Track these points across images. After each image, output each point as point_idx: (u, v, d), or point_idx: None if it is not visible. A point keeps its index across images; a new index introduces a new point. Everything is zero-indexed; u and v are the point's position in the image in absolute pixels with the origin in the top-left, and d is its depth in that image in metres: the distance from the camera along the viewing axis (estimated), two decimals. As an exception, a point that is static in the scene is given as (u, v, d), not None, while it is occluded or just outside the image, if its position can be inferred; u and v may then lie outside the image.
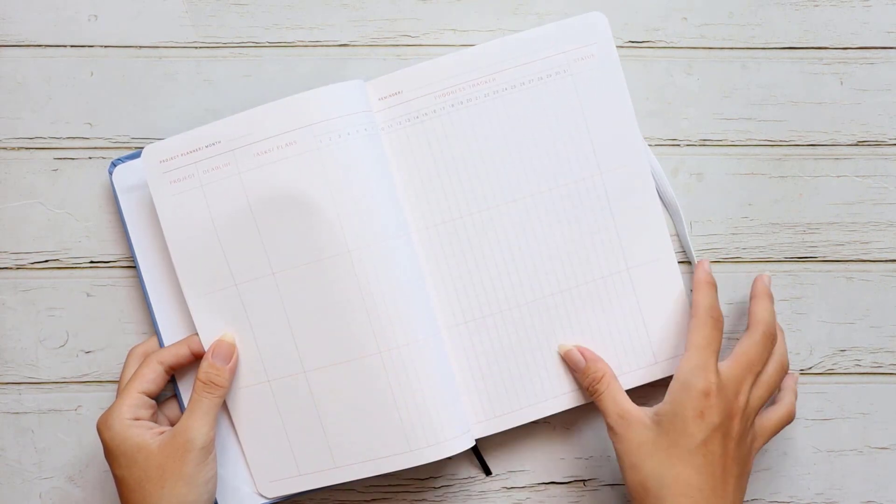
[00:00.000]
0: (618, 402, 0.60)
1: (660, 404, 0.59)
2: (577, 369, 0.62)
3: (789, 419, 0.62)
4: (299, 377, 0.61)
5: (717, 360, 0.59)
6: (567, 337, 0.63)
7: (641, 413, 0.59)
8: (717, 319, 0.60)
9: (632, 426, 0.59)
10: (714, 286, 0.61)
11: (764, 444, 0.62)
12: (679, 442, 0.58)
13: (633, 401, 0.61)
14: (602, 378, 0.61)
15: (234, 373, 0.61)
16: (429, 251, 0.63)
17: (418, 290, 0.62)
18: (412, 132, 0.63)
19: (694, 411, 0.57)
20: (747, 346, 0.60)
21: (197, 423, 0.58)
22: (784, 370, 0.62)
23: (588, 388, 0.62)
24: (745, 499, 0.66)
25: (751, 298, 0.63)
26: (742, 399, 0.59)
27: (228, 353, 0.61)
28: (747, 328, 0.61)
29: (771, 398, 0.63)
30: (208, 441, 0.59)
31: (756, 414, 0.60)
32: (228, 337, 0.62)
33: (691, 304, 0.61)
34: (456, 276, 0.63)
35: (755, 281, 0.63)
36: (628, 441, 0.59)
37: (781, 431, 0.65)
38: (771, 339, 0.61)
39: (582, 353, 0.62)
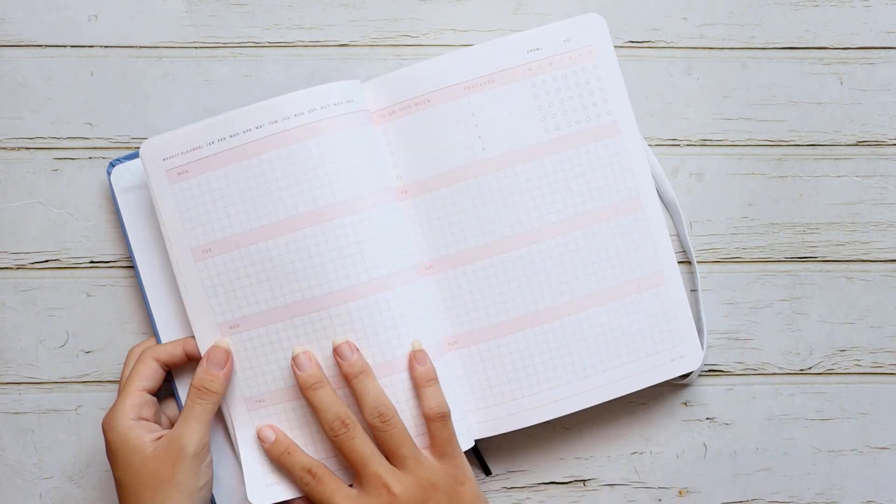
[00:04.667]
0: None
1: None
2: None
3: (440, 418, 0.59)
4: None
5: (340, 489, 0.58)
6: (566, 337, 0.63)
7: None
8: (314, 472, 0.59)
9: None
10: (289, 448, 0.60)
11: (454, 454, 0.60)
12: None
13: (632, 399, 0.61)
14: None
15: (228, 379, 0.61)
16: (428, 252, 0.63)
17: (420, 293, 0.62)
18: (410, 132, 0.63)
19: None
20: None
21: (190, 430, 0.58)
22: (376, 408, 0.58)
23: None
24: (745, 499, 0.66)
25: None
26: (402, 486, 0.57)
27: (223, 360, 0.61)
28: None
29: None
30: (201, 448, 0.58)
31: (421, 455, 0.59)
32: (223, 343, 0.61)
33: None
34: (452, 279, 0.63)
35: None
36: None
37: (781, 430, 0.65)
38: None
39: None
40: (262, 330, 0.61)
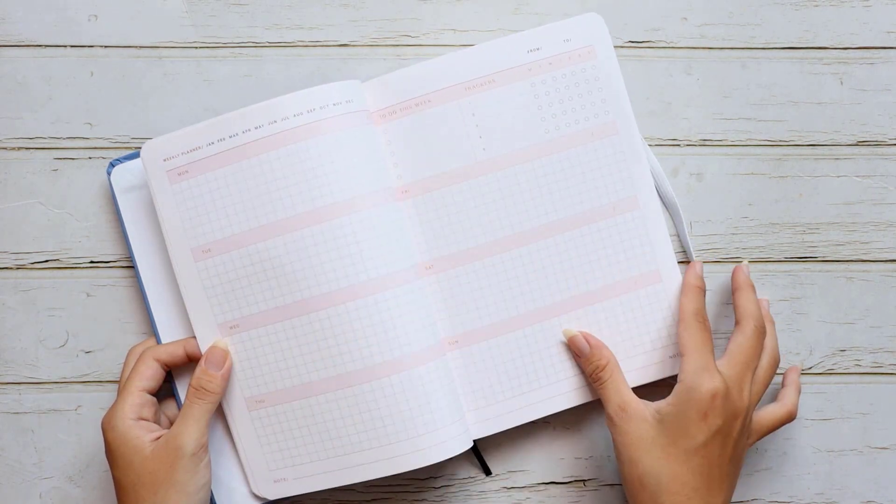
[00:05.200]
0: (620, 393, 0.60)
1: (663, 402, 0.59)
2: (582, 355, 0.62)
3: (789, 418, 0.62)
4: (298, 380, 0.61)
5: (714, 360, 0.59)
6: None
7: (643, 407, 0.59)
8: (703, 323, 0.60)
9: (632, 420, 0.59)
10: (702, 290, 0.62)
11: (758, 440, 0.62)
12: (679, 442, 0.58)
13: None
14: (606, 366, 0.61)
15: (226, 379, 0.61)
16: (427, 252, 0.63)
17: (420, 293, 0.62)
18: (410, 132, 0.63)
19: (698, 414, 0.57)
20: (741, 342, 0.60)
21: (187, 430, 0.58)
22: (776, 362, 0.62)
23: (591, 376, 0.62)
24: (745, 499, 0.66)
25: (733, 291, 0.63)
26: (745, 398, 0.59)
27: (221, 360, 0.61)
28: (736, 323, 0.61)
29: (770, 393, 0.64)
30: (199, 447, 0.58)
31: (753, 410, 0.60)
32: (221, 343, 0.61)
33: (679, 308, 0.62)
34: (452, 279, 0.63)
35: (735, 272, 0.63)
36: (627, 434, 0.59)
37: (780, 430, 0.65)
38: (762, 331, 0.61)
39: (587, 340, 0.62)
40: (262, 330, 0.61)
